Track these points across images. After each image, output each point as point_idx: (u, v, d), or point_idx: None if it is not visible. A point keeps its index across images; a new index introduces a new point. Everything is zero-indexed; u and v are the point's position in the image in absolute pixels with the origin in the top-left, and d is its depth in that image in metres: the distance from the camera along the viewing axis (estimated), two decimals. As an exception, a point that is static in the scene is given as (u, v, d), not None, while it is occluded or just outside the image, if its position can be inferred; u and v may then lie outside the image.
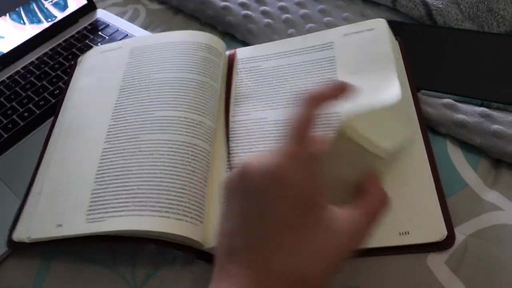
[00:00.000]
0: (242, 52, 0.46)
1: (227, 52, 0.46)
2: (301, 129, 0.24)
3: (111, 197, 0.35)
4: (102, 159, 0.38)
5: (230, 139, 0.39)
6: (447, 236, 0.32)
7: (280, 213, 0.22)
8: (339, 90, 0.27)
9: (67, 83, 0.47)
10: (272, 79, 0.42)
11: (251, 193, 0.23)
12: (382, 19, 0.41)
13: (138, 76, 0.43)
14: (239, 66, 0.45)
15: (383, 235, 0.32)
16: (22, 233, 0.36)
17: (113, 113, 0.41)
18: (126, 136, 0.38)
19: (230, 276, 0.21)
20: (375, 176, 0.26)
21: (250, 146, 0.39)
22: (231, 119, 0.41)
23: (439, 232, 0.32)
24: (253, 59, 0.45)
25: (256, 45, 0.47)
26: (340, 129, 0.25)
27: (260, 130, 0.39)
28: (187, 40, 0.45)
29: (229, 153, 0.38)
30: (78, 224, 0.34)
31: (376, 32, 0.41)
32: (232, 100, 0.42)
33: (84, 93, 0.45)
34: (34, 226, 0.36)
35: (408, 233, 0.32)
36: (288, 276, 0.21)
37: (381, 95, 0.33)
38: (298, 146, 0.24)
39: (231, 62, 0.45)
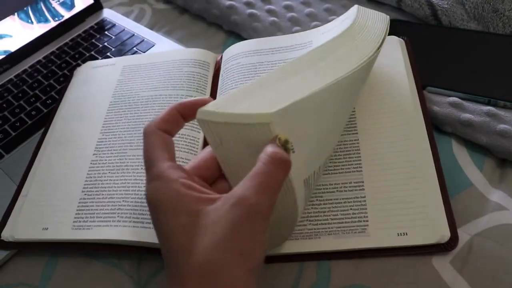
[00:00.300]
0: (228, 52, 0.46)
1: (219, 58, 0.47)
2: (152, 155, 0.27)
3: (98, 207, 0.37)
4: (90, 171, 0.39)
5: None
6: (450, 238, 0.32)
7: (168, 229, 0.24)
8: (182, 112, 0.28)
9: (61, 94, 0.48)
10: (251, 75, 0.43)
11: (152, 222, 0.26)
12: (355, 5, 0.38)
13: (127, 93, 0.45)
14: (222, 67, 0.45)
15: (382, 235, 0.32)
16: (7, 232, 0.37)
17: (103, 127, 0.43)
18: (113, 150, 0.40)
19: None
20: (270, 143, 0.24)
21: None
22: None
23: (441, 234, 0.31)
24: (234, 57, 0.45)
25: (241, 42, 0.47)
26: (204, 121, 0.24)
27: None
28: (174, 58, 0.47)
29: None
30: (64, 230, 0.36)
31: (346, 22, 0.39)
32: None
33: (75, 104, 0.46)
34: (19, 227, 0.37)
35: (406, 234, 0.32)
36: (207, 270, 0.22)
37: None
38: (156, 168, 0.26)
39: (217, 67, 0.46)
